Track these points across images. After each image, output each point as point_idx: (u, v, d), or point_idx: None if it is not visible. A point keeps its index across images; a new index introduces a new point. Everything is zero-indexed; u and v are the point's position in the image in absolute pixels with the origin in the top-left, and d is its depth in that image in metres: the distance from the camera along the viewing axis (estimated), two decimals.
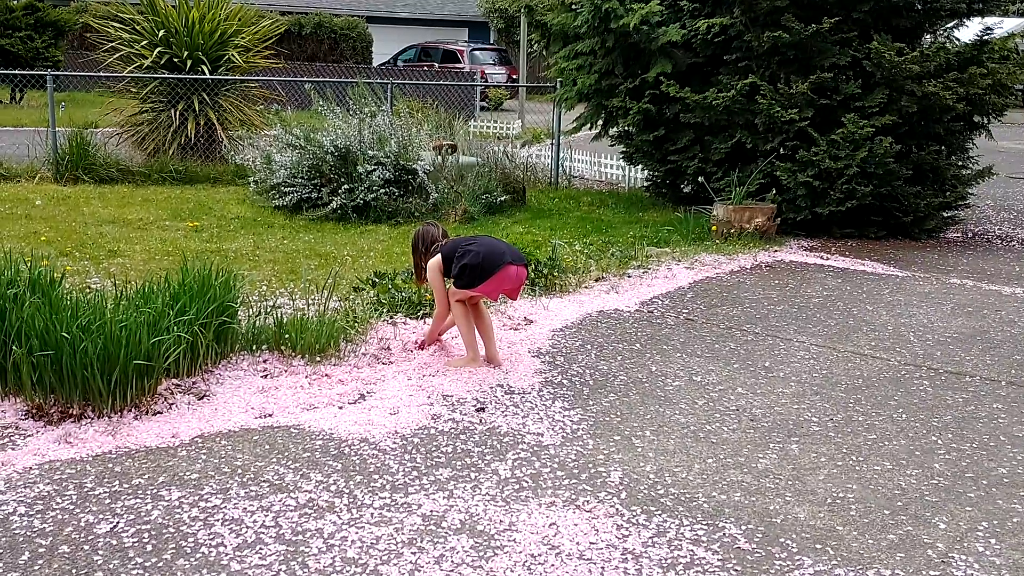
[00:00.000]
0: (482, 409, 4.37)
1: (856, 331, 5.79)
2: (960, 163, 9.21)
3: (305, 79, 12.46)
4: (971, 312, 6.29)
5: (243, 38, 12.74)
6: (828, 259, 7.88)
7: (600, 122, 10.42)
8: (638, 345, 5.41)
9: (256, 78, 13.29)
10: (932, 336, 5.72)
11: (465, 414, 4.30)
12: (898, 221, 8.74)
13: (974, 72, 8.51)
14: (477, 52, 29.51)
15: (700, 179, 9.09)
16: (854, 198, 8.35)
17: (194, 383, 4.49)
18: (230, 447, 3.86)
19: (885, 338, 5.66)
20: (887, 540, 3.24)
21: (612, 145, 10.84)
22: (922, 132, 8.76)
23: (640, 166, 10.96)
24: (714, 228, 8.41)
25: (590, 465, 3.78)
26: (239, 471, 3.64)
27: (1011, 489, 3.67)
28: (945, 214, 9.10)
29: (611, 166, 12.65)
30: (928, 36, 9.32)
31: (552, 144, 12.34)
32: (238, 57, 12.51)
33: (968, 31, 9.31)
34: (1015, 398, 4.69)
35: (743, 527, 3.30)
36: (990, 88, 8.72)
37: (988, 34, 8.92)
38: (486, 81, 26.60)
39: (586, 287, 6.67)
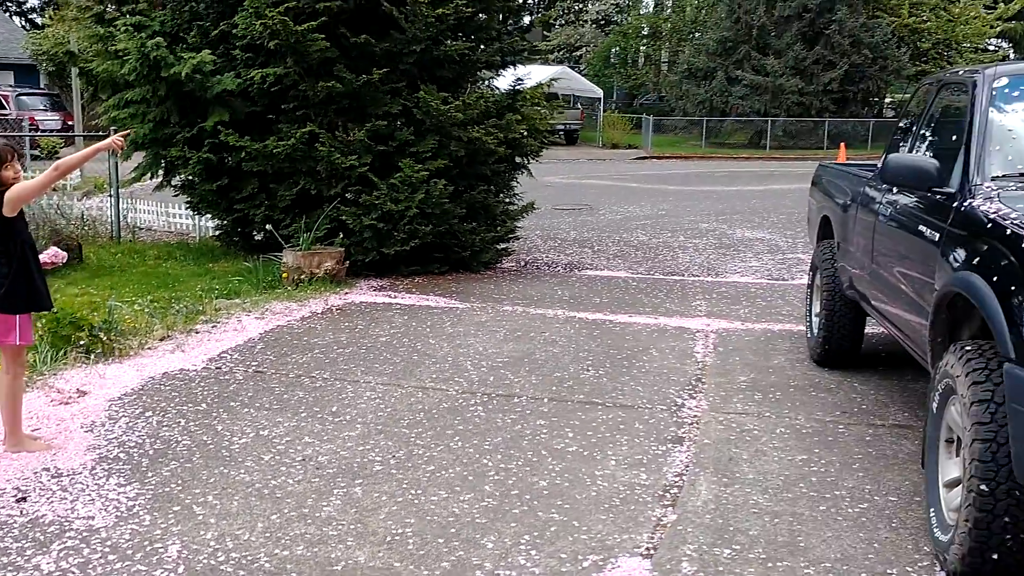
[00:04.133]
0: (23, 499, 3.97)
1: (419, 365, 6.10)
2: (508, 200, 10.10)
3: None
4: (520, 336, 6.90)
5: None
6: (396, 297, 8.23)
7: (161, 172, 10.02)
8: (204, 405, 5.25)
9: None
10: (487, 363, 6.18)
11: (3, 507, 3.88)
12: (458, 256, 9.36)
13: (511, 118, 9.40)
14: (25, 97, 27.02)
15: (268, 227, 9.07)
16: (416, 237, 8.82)
17: None
18: None
19: (445, 369, 6.02)
20: (440, 568, 3.44)
21: (176, 195, 10.46)
22: (472, 174, 9.47)
23: (208, 215, 10.68)
24: (285, 275, 8.42)
25: (146, 543, 3.59)
26: None
27: (550, 500, 4.06)
28: (499, 247, 9.91)
29: (180, 216, 12.19)
30: (470, 86, 10.11)
31: (111, 196, 11.60)
32: None
33: (505, 80, 10.26)
34: (556, 413, 5.21)
35: None
36: (526, 133, 9.69)
37: (520, 84, 9.91)
38: (36, 128, 24.41)
39: (150, 348, 6.35)
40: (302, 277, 8.37)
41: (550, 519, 3.87)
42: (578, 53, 47.87)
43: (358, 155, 8.77)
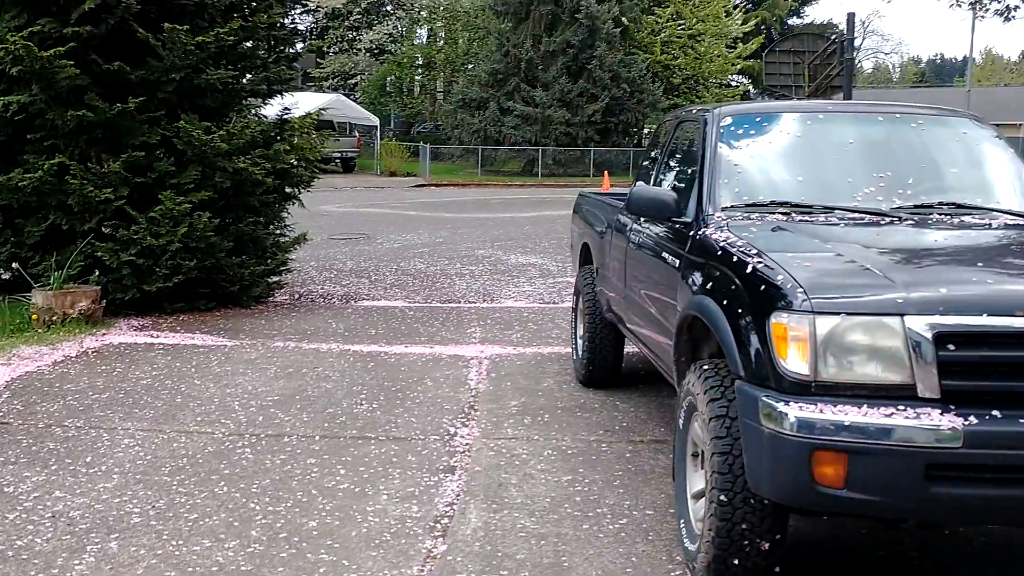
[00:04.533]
0: None
1: (183, 409, 5.84)
2: (279, 231, 9.89)
3: None
4: (292, 373, 6.76)
5: None
6: (159, 336, 7.85)
7: None
8: None
9: None
10: (256, 402, 6.01)
11: None
12: (226, 291, 9.05)
13: (279, 148, 9.24)
14: None
15: (15, 265, 8.43)
16: (180, 273, 8.46)
17: None
18: None
19: (211, 411, 5.80)
20: None
21: None
22: (239, 205, 9.20)
23: None
24: (35, 317, 7.85)
25: None
26: None
27: (320, 540, 3.99)
28: (270, 280, 9.66)
29: None
30: (235, 115, 9.84)
31: None
32: None
33: (275, 109, 10.06)
34: (327, 450, 5.14)
35: None
36: (297, 162, 9.54)
37: (287, 113, 9.76)
38: None
39: None
40: (54, 318, 7.83)
41: (319, 560, 3.81)
42: (353, 81, 47.70)
43: (114, 188, 8.33)
